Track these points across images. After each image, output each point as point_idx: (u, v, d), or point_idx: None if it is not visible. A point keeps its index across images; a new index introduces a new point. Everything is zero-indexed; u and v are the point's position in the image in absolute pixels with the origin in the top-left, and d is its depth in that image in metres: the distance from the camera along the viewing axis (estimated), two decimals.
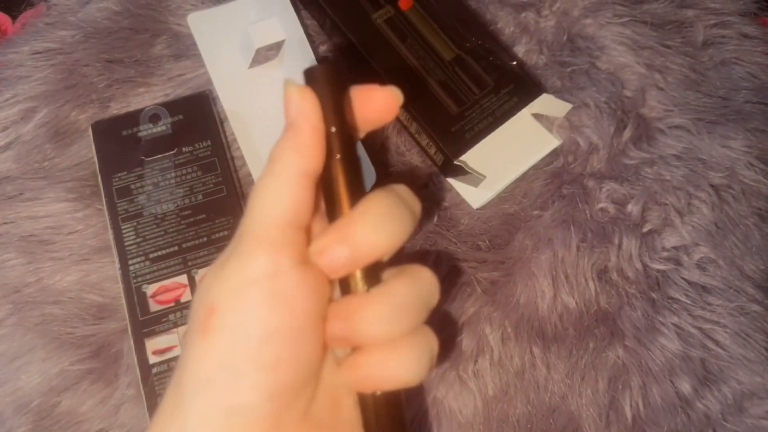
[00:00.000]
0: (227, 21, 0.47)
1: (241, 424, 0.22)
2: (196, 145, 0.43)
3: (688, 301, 0.42)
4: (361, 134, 0.28)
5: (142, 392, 0.37)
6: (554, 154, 0.46)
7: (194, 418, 0.22)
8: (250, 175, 0.44)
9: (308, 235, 0.26)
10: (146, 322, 0.38)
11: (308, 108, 0.25)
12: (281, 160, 0.24)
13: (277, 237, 0.24)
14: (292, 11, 0.44)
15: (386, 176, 0.44)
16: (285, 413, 0.23)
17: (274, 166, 0.24)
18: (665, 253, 0.43)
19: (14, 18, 0.50)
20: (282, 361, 0.23)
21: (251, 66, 0.46)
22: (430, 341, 0.26)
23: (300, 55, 0.44)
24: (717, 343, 0.41)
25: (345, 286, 0.25)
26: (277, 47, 0.46)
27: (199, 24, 0.47)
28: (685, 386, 0.40)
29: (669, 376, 0.40)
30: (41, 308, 0.40)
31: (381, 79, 0.27)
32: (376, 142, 0.45)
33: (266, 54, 0.46)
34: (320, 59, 0.38)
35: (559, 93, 0.46)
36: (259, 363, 0.23)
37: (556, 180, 0.45)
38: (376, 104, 0.27)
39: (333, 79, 0.26)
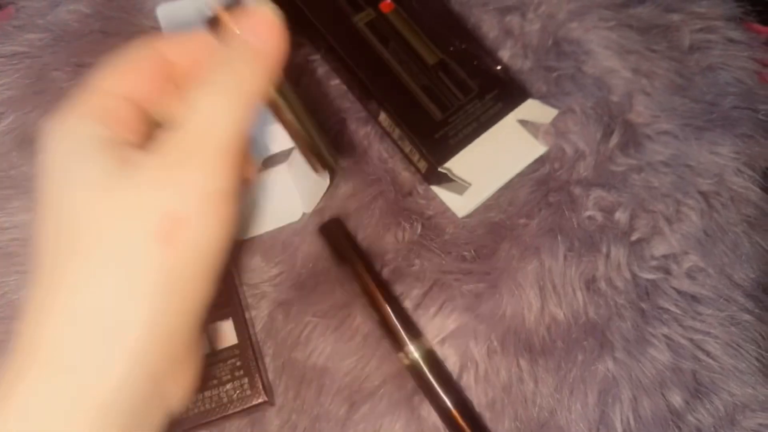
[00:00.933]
0: (196, 13, 0.46)
1: (185, 332, 0.24)
2: None
3: (678, 311, 0.41)
4: None
5: None
6: (540, 160, 0.44)
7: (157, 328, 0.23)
8: None
9: None
10: None
11: (285, 41, 0.25)
12: (248, 82, 0.25)
13: (235, 154, 0.24)
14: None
15: (367, 184, 0.43)
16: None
17: (238, 84, 0.24)
18: (654, 262, 0.42)
19: None
20: (218, 277, 0.24)
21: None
22: None
23: None
24: (708, 354, 0.40)
25: None
26: None
27: (168, 16, 0.46)
28: (677, 399, 0.39)
29: (660, 389, 0.39)
30: (6, 324, 0.38)
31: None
32: (359, 149, 0.44)
33: None
34: None
35: (544, 98, 0.45)
36: (212, 278, 0.24)
37: (542, 187, 0.44)
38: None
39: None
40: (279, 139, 0.41)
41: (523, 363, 0.40)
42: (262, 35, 0.25)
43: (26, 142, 0.42)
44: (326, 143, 0.32)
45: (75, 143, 0.24)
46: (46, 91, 0.44)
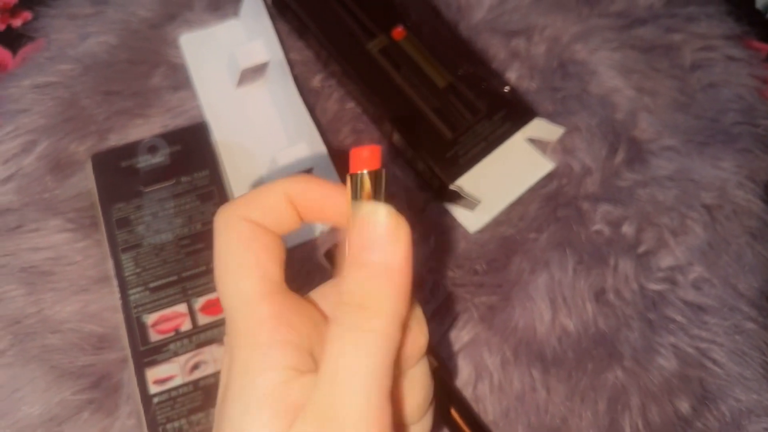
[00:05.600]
0: (217, 42, 0.49)
1: None
2: (195, 174, 0.43)
3: (685, 321, 0.42)
4: None
5: (144, 422, 0.37)
6: (548, 177, 0.46)
7: None
8: None
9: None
10: (146, 351, 0.38)
11: (411, 248, 0.21)
12: (378, 314, 0.21)
13: (387, 415, 0.21)
14: (274, 34, 0.46)
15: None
16: None
17: (370, 323, 0.21)
18: (660, 274, 0.44)
19: (15, 53, 0.51)
20: None
21: (239, 85, 0.47)
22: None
23: (281, 76, 0.46)
24: (714, 361, 0.41)
25: None
26: (261, 69, 0.47)
27: (191, 45, 0.49)
28: (684, 405, 0.40)
29: (668, 396, 0.40)
30: (42, 339, 0.40)
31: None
32: None
33: (252, 75, 0.47)
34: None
35: (551, 117, 0.47)
36: None
37: (551, 203, 0.45)
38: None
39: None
40: (297, 158, 0.43)
41: (535, 373, 0.41)
42: (383, 249, 0.21)
43: (59, 167, 0.45)
44: None
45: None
46: (77, 119, 0.46)
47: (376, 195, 0.23)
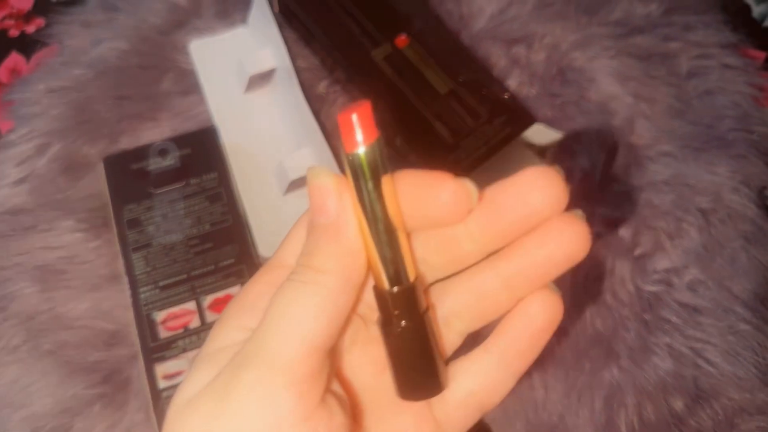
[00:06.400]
0: (225, 49, 0.51)
1: None
2: (203, 176, 0.44)
3: (680, 322, 0.43)
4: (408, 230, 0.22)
5: (153, 416, 0.39)
6: None
7: None
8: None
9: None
10: (156, 348, 0.40)
11: (349, 206, 0.21)
12: (321, 271, 0.20)
13: (303, 369, 0.20)
14: (281, 42, 0.48)
15: None
16: None
17: (311, 276, 0.20)
18: (657, 276, 0.45)
19: (29, 58, 0.52)
20: None
21: (246, 91, 0.49)
22: None
23: (288, 82, 0.48)
24: (708, 361, 0.42)
25: None
26: (269, 75, 0.49)
27: (200, 51, 0.50)
28: (678, 404, 0.41)
29: (662, 395, 0.41)
30: (55, 335, 0.42)
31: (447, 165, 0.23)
32: None
33: (259, 81, 0.49)
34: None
35: (550, 123, 0.48)
36: None
37: None
38: (440, 201, 0.21)
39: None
40: (303, 162, 0.44)
41: (533, 371, 0.42)
42: (326, 211, 0.21)
43: (71, 169, 0.46)
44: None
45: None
46: (89, 122, 0.48)
47: (378, 170, 0.21)
